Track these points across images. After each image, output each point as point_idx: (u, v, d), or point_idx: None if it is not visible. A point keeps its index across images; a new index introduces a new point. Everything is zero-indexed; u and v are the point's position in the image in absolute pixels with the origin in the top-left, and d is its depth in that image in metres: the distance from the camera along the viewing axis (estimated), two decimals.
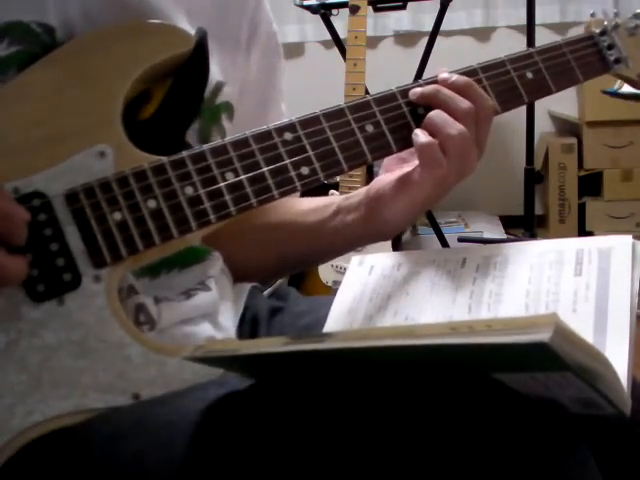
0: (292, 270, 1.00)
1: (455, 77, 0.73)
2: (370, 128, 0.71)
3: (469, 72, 0.75)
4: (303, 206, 0.83)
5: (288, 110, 0.88)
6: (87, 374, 0.60)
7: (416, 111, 0.73)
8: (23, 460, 0.58)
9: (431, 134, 0.70)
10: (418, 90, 0.73)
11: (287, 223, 0.84)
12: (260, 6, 0.85)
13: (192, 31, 0.70)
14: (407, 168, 0.74)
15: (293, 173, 0.67)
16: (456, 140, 0.70)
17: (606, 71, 0.84)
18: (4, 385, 0.59)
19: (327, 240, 0.81)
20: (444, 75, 0.74)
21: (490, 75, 0.75)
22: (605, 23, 0.84)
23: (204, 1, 0.78)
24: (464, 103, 0.71)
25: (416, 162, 0.72)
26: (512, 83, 0.76)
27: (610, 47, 0.83)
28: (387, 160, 0.78)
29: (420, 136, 0.71)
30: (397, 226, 0.77)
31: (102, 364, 0.60)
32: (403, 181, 0.74)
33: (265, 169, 0.66)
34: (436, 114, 0.71)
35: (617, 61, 0.83)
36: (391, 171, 0.77)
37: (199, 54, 0.69)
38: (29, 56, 0.66)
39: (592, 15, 0.86)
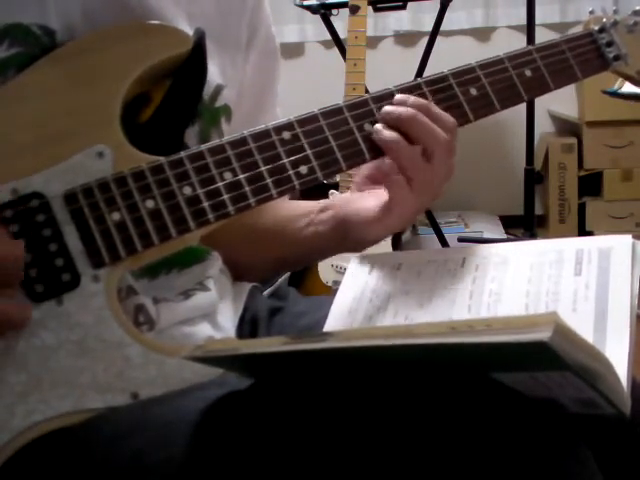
0: (289, 269, 1.01)
1: (413, 99, 0.71)
2: (368, 127, 0.71)
3: (467, 70, 0.75)
4: (291, 212, 0.84)
5: (288, 111, 0.88)
6: (86, 374, 0.60)
7: None
8: (23, 460, 0.58)
9: (395, 159, 0.70)
10: (393, 111, 0.70)
11: (272, 227, 0.84)
12: (260, 8, 0.84)
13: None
14: (379, 192, 0.74)
15: (291, 172, 0.67)
16: (428, 182, 0.70)
17: (605, 68, 0.83)
18: (4, 385, 0.59)
19: (302, 249, 0.83)
20: (400, 97, 0.71)
21: (488, 73, 0.75)
22: (604, 20, 0.83)
23: (204, 4, 0.78)
24: (442, 136, 0.70)
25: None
26: (511, 81, 0.76)
27: (609, 44, 0.83)
28: (357, 178, 0.79)
29: (395, 178, 0.70)
30: (369, 244, 0.79)
31: (101, 364, 0.60)
32: (374, 213, 0.74)
33: (263, 168, 0.66)
34: (410, 153, 0.69)
35: (616, 58, 0.83)
36: (361, 191, 0.78)
37: (197, 54, 0.69)
38: (29, 58, 0.66)
39: (591, 12, 0.85)
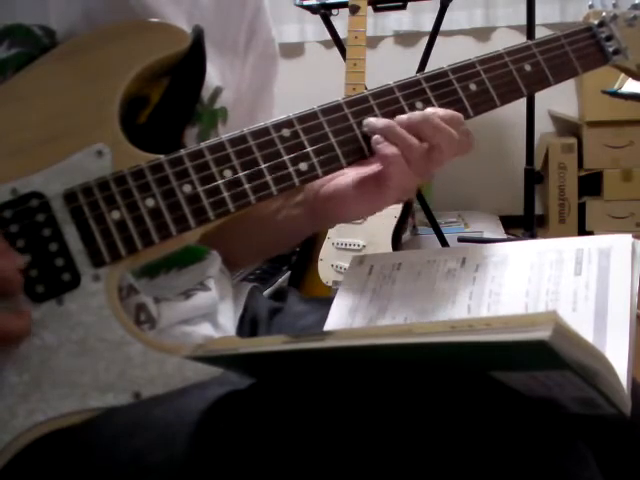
0: (269, 255, 1.01)
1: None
2: None
3: (467, 65, 0.75)
4: None
5: (288, 111, 0.87)
6: (88, 373, 0.60)
7: (414, 105, 0.72)
8: (24, 460, 0.58)
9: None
10: (404, 118, 0.70)
11: (245, 216, 0.84)
12: (260, 12, 0.84)
13: None
14: (365, 169, 0.73)
15: (291, 169, 0.67)
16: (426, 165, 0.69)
17: (605, 62, 0.83)
18: (5, 386, 0.59)
19: (278, 233, 0.84)
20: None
21: (488, 68, 0.75)
22: (603, 14, 0.83)
23: (205, 6, 0.78)
24: (447, 131, 0.69)
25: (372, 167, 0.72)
26: (510, 76, 0.76)
27: (609, 38, 0.82)
28: None
29: (392, 155, 0.68)
30: (349, 220, 0.80)
31: (103, 363, 0.60)
32: (353, 190, 0.74)
33: (263, 166, 0.66)
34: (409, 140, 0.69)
35: (616, 52, 0.82)
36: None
37: (196, 51, 0.69)
38: (28, 58, 0.66)
39: (590, 6, 0.85)
